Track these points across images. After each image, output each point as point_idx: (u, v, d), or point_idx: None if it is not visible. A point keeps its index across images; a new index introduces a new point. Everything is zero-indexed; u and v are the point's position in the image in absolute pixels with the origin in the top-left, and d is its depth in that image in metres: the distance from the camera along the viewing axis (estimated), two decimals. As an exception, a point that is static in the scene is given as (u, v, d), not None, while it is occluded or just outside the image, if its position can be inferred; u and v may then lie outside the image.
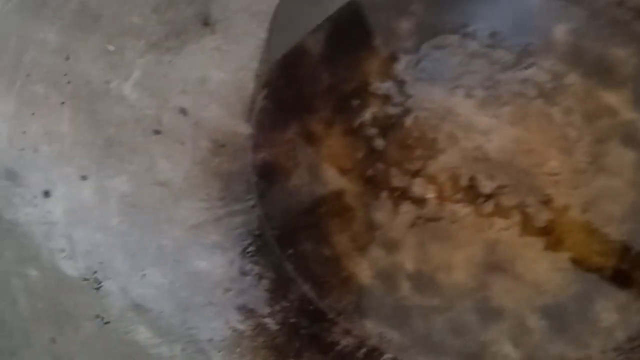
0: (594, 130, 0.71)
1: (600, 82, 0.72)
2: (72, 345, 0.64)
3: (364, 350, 0.65)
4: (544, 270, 0.66)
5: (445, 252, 0.68)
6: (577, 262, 0.67)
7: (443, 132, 0.70)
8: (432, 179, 0.69)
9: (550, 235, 0.68)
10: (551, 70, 0.72)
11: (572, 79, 0.72)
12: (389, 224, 0.70)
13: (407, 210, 0.70)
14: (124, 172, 0.71)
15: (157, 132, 0.72)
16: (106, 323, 0.65)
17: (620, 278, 0.65)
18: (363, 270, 0.68)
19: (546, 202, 0.68)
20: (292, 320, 0.66)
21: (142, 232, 0.68)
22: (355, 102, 0.73)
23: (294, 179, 0.72)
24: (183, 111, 0.73)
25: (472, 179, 0.68)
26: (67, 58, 0.75)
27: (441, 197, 0.69)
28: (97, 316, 0.65)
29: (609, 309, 0.64)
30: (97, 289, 0.66)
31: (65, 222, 0.69)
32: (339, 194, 0.71)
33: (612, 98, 0.70)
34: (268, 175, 0.72)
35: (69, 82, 0.74)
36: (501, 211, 0.68)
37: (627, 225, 0.67)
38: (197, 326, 0.65)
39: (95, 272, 0.67)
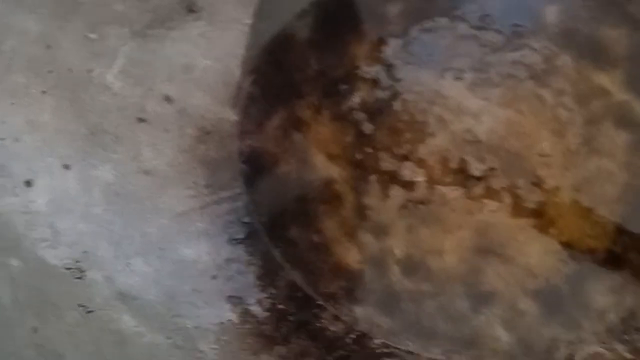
0: (586, 111, 0.73)
1: (592, 63, 0.74)
2: (55, 335, 0.66)
3: (353, 335, 0.67)
4: (536, 253, 0.68)
5: (435, 236, 0.70)
6: (570, 245, 0.67)
7: (432, 115, 0.72)
8: (421, 163, 0.71)
9: (542, 218, 0.69)
10: (542, 52, 0.75)
11: (564, 60, 0.75)
12: (378, 208, 0.71)
13: (396, 194, 0.71)
14: (108, 161, 0.73)
15: (141, 120, 0.75)
16: (89, 312, 0.67)
17: (613, 260, 0.67)
18: (352, 256, 0.69)
19: (537, 184, 0.71)
20: (280, 307, 0.68)
21: (126, 221, 0.71)
22: (343, 87, 0.75)
23: (282, 165, 0.74)
24: (168, 99, 0.76)
25: (462, 162, 0.71)
26: (49, 47, 0.78)
27: (431, 181, 0.71)
28: (81, 305, 0.67)
29: (602, 292, 0.66)
30: (81, 278, 0.68)
31: (48, 212, 0.71)
32: (327, 180, 0.72)
33: (604, 79, 0.73)
34: (255, 163, 0.73)
35: (50, 71, 0.77)
36: (492, 194, 0.70)
37: (620, 207, 0.70)
38: (183, 314, 0.67)
39: (79, 261, 0.69)
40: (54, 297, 0.66)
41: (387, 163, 0.70)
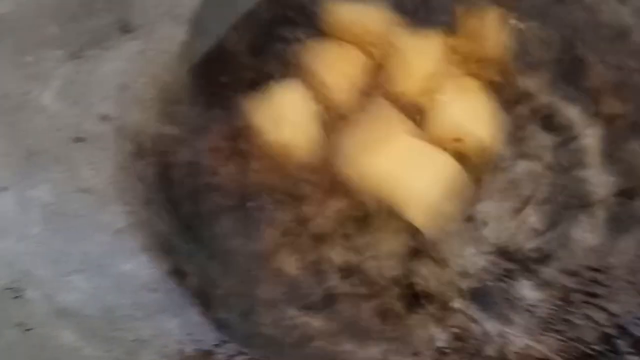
0: (513, 116, 0.83)
1: (517, 67, 0.84)
2: (-7, 353, 0.70)
3: (291, 339, 0.73)
4: (469, 254, 0.73)
5: (373, 242, 0.76)
6: (500, 247, 0.73)
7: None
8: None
9: (473, 220, 0.78)
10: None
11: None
12: (317, 217, 0.75)
13: (335, 202, 0.76)
14: (46, 181, 0.78)
15: (79, 140, 0.80)
16: (28, 330, 0.71)
17: (541, 257, 0.73)
18: (292, 262, 0.72)
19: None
20: (219, 315, 0.74)
21: (65, 240, 0.75)
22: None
23: (221, 176, 0.77)
24: (105, 117, 0.81)
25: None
26: (-19, 72, 0.84)
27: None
28: (20, 324, 0.71)
29: (531, 287, 0.74)
30: (19, 297, 0.73)
31: (-15, 235, 0.76)
32: (267, 189, 0.76)
33: (529, 83, 0.83)
34: (194, 175, 0.76)
35: (-16, 96, 0.82)
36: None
37: (547, 207, 0.79)
38: (123, 327, 0.71)
39: (17, 280, 0.73)
40: (-8, 317, 0.71)
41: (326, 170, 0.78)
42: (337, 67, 0.75)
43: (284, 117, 0.73)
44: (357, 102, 0.74)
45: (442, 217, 0.70)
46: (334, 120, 0.75)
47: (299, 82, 0.75)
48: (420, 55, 0.73)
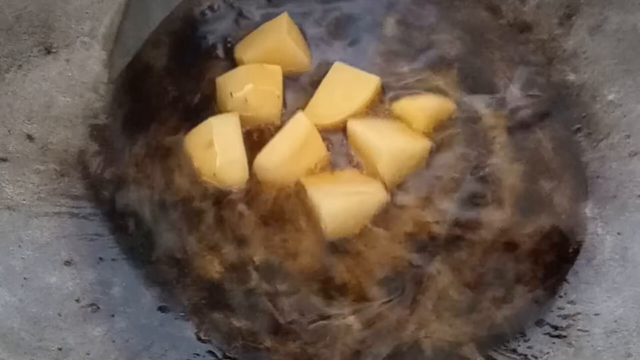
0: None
1: (428, 66, 0.91)
2: None
3: (215, 340, 0.73)
4: (383, 244, 0.76)
5: (291, 240, 0.77)
6: (414, 234, 0.76)
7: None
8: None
9: (387, 213, 0.80)
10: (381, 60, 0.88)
11: (401, 66, 0.90)
12: (237, 221, 0.78)
13: (255, 205, 0.79)
14: (-32, 203, 0.82)
15: (2, 160, 0.86)
16: (-54, 346, 0.73)
17: (453, 241, 0.76)
18: (213, 267, 0.76)
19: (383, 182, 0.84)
20: (143, 321, 0.78)
21: None
22: (201, 111, 0.84)
23: (144, 189, 0.79)
24: (29, 137, 0.85)
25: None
26: None
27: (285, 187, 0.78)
28: (-62, 340, 0.73)
29: (444, 271, 0.76)
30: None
31: None
32: (188, 199, 0.79)
33: (439, 81, 0.90)
34: (119, 189, 0.80)
35: None
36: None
37: (457, 194, 0.84)
38: (47, 337, 0.72)
39: (-64, 300, 0.76)
40: None
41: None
42: (258, 87, 0.79)
43: (215, 147, 0.77)
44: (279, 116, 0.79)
45: (347, 229, 0.74)
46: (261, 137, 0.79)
47: (231, 114, 0.79)
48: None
